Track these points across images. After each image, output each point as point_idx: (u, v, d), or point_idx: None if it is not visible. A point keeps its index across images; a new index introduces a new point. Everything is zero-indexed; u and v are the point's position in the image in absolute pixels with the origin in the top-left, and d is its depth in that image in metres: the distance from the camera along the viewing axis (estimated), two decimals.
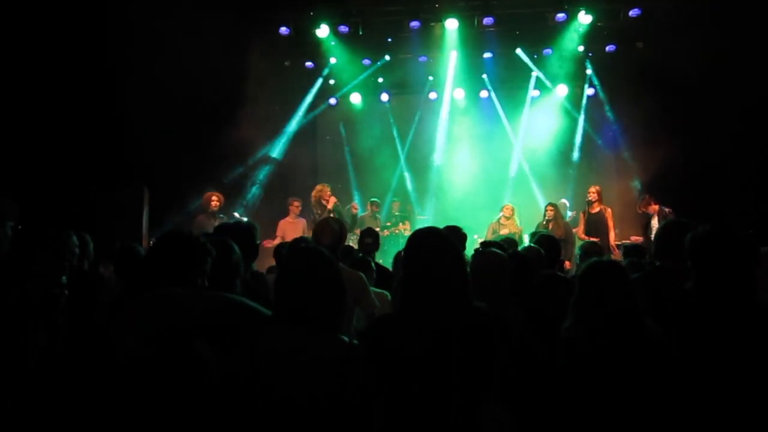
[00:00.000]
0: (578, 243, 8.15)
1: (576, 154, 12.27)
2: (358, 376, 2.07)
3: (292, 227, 9.37)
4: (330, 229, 4.12)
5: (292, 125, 12.32)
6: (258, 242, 3.61)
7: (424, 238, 2.47)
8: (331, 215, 8.17)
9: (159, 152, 8.93)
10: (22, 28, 7.89)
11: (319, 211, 9.04)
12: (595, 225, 8.98)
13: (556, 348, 2.70)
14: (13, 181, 7.11)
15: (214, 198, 8.74)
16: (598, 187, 9.30)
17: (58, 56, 8.30)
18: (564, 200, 10.98)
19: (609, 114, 12.05)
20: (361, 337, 2.35)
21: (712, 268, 2.63)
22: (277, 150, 11.90)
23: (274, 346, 2.08)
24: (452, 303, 2.29)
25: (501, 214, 9.82)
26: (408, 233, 10.37)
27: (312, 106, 12.76)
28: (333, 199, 9.19)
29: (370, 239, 5.72)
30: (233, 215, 8.83)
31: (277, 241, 8.67)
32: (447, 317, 2.26)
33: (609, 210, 9.17)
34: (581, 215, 9.39)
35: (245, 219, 8.37)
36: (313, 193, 9.31)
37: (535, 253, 4.25)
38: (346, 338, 2.16)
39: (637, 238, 9.02)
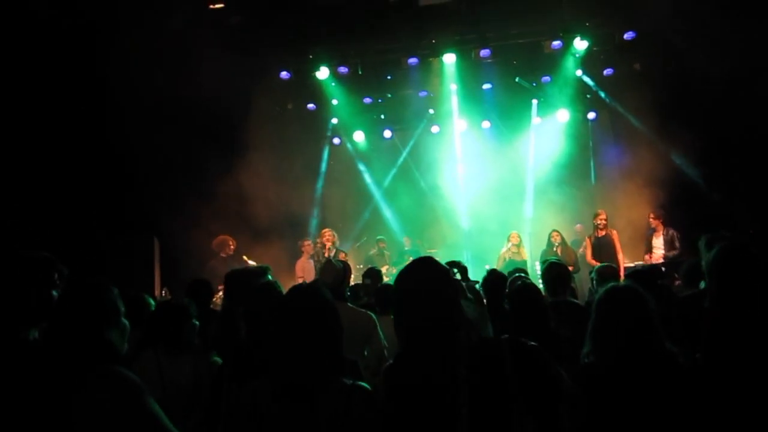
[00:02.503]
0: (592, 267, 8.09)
1: (582, 177, 12.26)
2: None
3: (310, 266, 9.37)
4: (333, 268, 4.09)
5: (299, 167, 12.41)
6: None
7: (407, 276, 2.31)
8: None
9: (167, 202, 8.98)
10: (36, 74, 8.01)
11: (319, 258, 8.88)
12: (602, 248, 8.96)
13: (574, 375, 2.64)
14: (22, 235, 7.16)
15: (230, 242, 8.74)
16: (604, 211, 9.33)
17: (68, 106, 8.42)
18: (579, 225, 10.94)
19: (612, 135, 12.09)
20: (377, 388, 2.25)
21: (728, 285, 2.59)
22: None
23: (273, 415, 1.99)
24: (442, 341, 2.20)
25: (510, 243, 9.81)
26: None
27: (316, 147, 12.88)
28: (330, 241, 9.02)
29: (368, 280, 5.50)
30: (242, 258, 8.81)
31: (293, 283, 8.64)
32: (441, 357, 2.18)
33: (615, 232, 9.16)
34: (587, 239, 9.34)
35: (251, 262, 8.35)
36: (322, 240, 9.08)
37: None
38: (348, 381, 2.07)
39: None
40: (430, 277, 2.27)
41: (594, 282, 5.27)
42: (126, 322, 2.24)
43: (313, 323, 2.06)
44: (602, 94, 11.95)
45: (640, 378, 2.47)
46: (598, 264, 6.34)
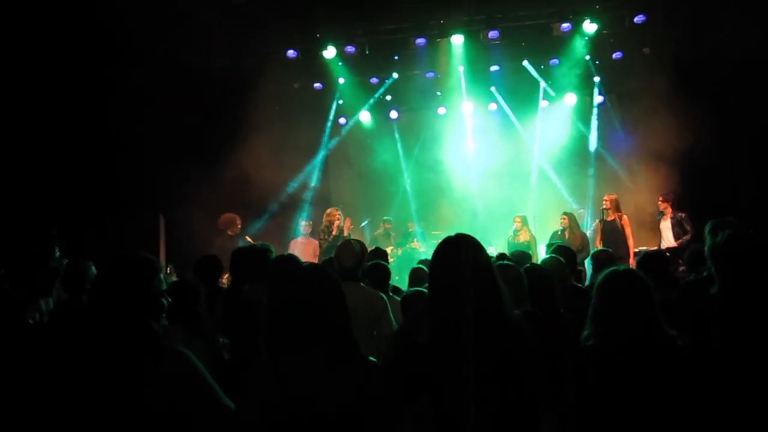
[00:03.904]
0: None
1: (589, 162, 12.21)
2: (379, 402, 2.05)
3: (303, 247, 9.35)
4: (351, 250, 4.11)
5: (304, 146, 12.39)
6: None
7: (448, 249, 2.44)
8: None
9: (172, 179, 9.00)
10: (40, 54, 7.99)
11: (325, 237, 8.93)
12: (612, 234, 8.86)
13: (573, 359, 2.67)
14: (29, 212, 7.21)
15: (238, 220, 8.76)
16: (612, 196, 9.21)
17: (72, 85, 8.42)
18: (582, 210, 10.91)
19: (620, 120, 12.01)
20: (392, 367, 2.30)
21: (737, 272, 2.61)
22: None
23: (284, 385, 2.04)
24: (488, 320, 2.25)
25: (513, 226, 9.82)
26: (422, 249, 10.34)
27: (322, 126, 12.85)
28: (347, 224, 9.07)
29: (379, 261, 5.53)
30: (246, 238, 8.83)
31: None
32: (484, 337, 2.21)
33: (625, 217, 9.03)
34: (598, 224, 9.26)
35: (257, 242, 8.36)
36: (325, 218, 9.16)
37: (555, 263, 4.22)
38: (372, 359, 2.14)
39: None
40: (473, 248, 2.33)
41: (591, 267, 5.30)
42: (165, 301, 2.25)
43: (331, 300, 2.12)
44: (611, 78, 11.86)
45: (641, 361, 2.49)
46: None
